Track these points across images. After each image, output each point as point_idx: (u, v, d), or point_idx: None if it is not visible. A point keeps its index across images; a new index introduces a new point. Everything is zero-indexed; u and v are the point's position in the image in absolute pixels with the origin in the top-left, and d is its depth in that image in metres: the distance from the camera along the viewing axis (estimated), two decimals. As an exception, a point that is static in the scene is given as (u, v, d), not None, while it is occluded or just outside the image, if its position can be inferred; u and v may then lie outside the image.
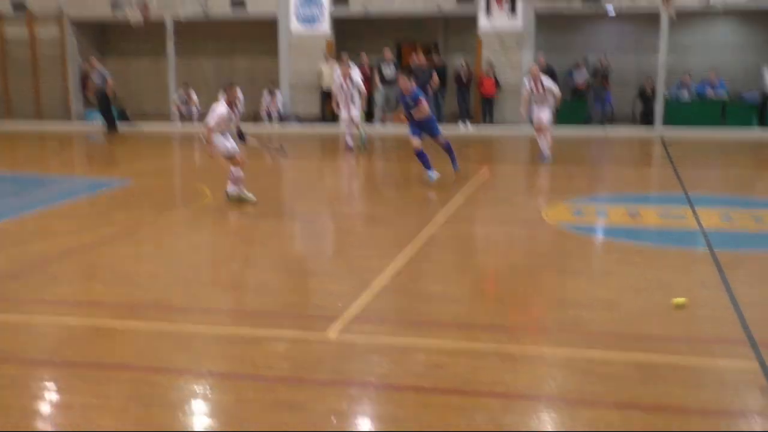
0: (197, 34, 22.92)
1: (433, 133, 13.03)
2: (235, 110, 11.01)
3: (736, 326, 6.49)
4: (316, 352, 6.04)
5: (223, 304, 7.34)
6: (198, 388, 5.49)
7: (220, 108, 10.78)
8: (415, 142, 12.73)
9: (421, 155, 12.81)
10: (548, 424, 4.94)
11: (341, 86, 16.84)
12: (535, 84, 14.71)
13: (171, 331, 6.58)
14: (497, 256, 9.20)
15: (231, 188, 11.26)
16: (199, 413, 5.17)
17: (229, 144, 10.99)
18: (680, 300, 6.66)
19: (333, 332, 6.36)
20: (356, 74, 17.25)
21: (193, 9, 21.85)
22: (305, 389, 5.35)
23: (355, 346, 6.20)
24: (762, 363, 5.72)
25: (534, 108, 14.99)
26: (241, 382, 5.52)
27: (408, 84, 12.61)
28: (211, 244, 9.73)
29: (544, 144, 15.08)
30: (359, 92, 17.00)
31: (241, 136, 11.31)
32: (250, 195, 11.24)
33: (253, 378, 5.57)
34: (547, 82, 14.88)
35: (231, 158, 10.98)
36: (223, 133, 10.84)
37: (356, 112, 16.89)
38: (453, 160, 13.31)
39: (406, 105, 12.67)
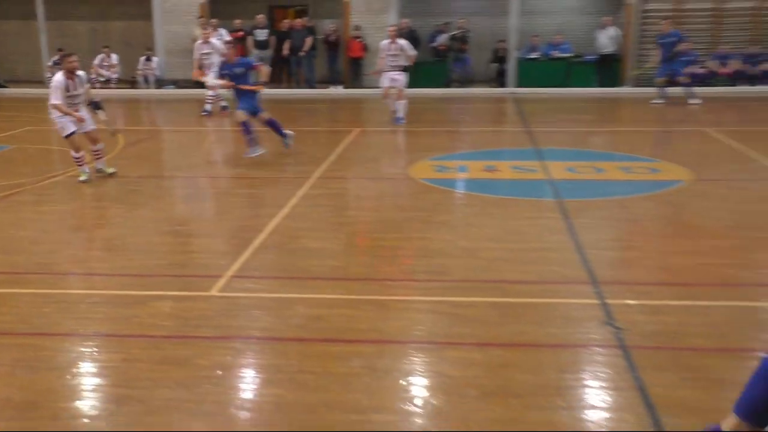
0: (68, -4, 21.89)
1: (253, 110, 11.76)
2: (76, 80, 9.91)
3: (580, 268, 6.97)
4: (201, 309, 6.12)
5: (106, 268, 7.25)
6: (85, 350, 5.52)
7: (56, 79, 9.79)
8: (241, 114, 11.63)
9: (245, 128, 11.69)
10: (418, 366, 5.24)
11: (205, 50, 16.41)
12: (391, 43, 14.73)
13: (55, 296, 6.49)
14: (368, 212, 9.44)
15: (99, 164, 10.64)
16: (88, 374, 5.19)
17: (74, 125, 9.98)
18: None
19: (216, 290, 6.48)
20: (216, 39, 16.91)
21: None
22: (191, 345, 5.47)
23: (238, 302, 6.33)
24: (601, 299, 6.20)
25: (388, 70, 14.81)
26: (128, 342, 5.57)
27: (234, 53, 12.03)
28: (91, 209, 9.51)
29: (399, 106, 14.98)
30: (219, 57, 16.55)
31: (95, 106, 10.53)
32: (110, 169, 10.72)
33: (139, 337, 5.63)
34: (402, 42, 14.91)
35: (75, 140, 10.12)
36: (72, 106, 9.88)
37: (212, 76, 16.25)
38: (282, 135, 12.10)
39: (232, 75, 11.57)
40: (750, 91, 19.21)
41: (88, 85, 10.52)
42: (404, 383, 4.97)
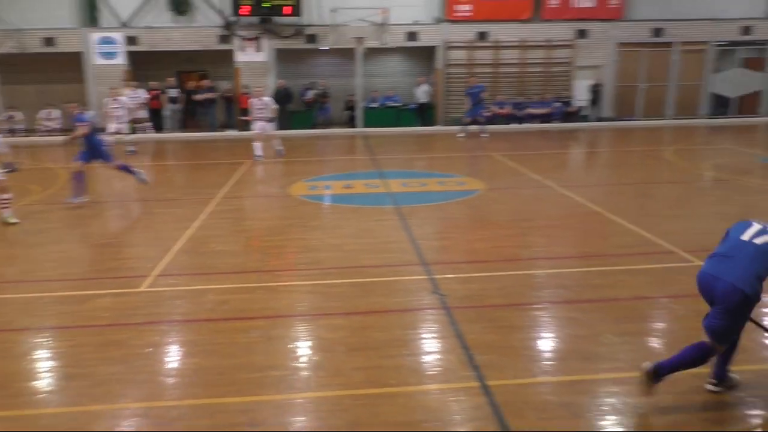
0: (18, 66, 20.05)
1: (104, 159, 9.93)
2: None
3: (414, 254, 7.06)
4: (133, 302, 5.77)
5: (52, 275, 6.66)
6: (39, 341, 5.09)
7: None
8: (78, 164, 9.69)
9: (77, 176, 9.75)
10: (302, 332, 5.14)
11: (113, 105, 15.20)
12: (258, 100, 14.10)
13: (9, 300, 5.93)
14: (259, 221, 9.23)
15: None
16: (42, 359, 4.81)
17: None
18: None
19: (145, 286, 6.13)
20: (125, 96, 15.99)
21: (11, 45, 19.17)
22: (126, 330, 5.14)
23: (162, 295, 6.01)
24: (429, 275, 6.30)
25: (258, 120, 14.10)
26: (75, 331, 5.19)
27: (76, 108, 10.20)
28: (38, 230, 8.59)
29: (275, 143, 14.40)
30: (128, 110, 15.55)
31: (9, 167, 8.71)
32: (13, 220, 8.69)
33: (84, 327, 5.25)
34: (267, 99, 14.36)
35: None
36: None
37: (121, 125, 15.11)
38: (134, 174, 10.39)
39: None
40: (518, 128, 20.20)
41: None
42: (292, 346, 4.87)
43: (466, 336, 4.87)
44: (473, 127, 18.22)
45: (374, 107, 21.04)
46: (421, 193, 10.65)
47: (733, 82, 21.75)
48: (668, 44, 21.02)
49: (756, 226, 3.79)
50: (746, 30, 21.11)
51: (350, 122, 21.09)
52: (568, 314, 5.34)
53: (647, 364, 3.85)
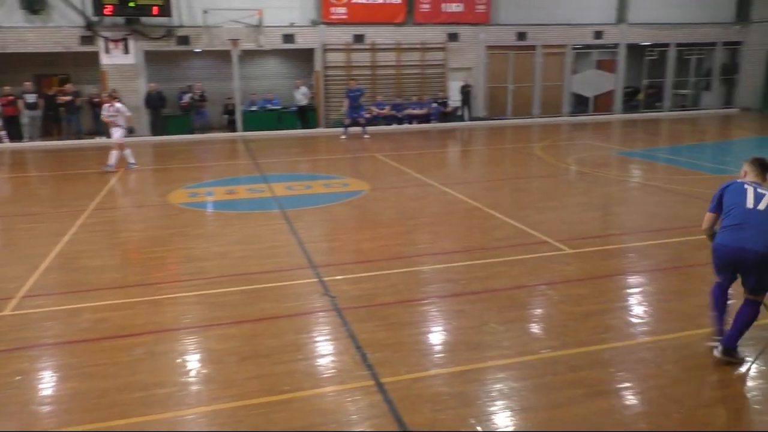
0: None
1: None
2: None
3: (302, 257, 7.00)
4: (-3, 328, 5.24)
5: None
6: None
7: None
8: None
9: None
10: (189, 345, 4.93)
11: None
12: (110, 107, 13.07)
13: None
14: (138, 232, 8.68)
15: None
16: None
17: None
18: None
19: (8, 310, 5.60)
20: None
21: None
22: (-10, 360, 4.66)
23: (29, 317, 5.51)
24: (319, 278, 6.27)
25: (114, 127, 13.07)
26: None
27: None
28: None
29: (128, 153, 13.24)
30: None
31: None
32: None
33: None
34: (119, 105, 13.25)
35: None
36: None
37: None
38: None
39: None
40: (399, 128, 20.66)
41: None
42: (180, 361, 4.65)
43: (358, 336, 4.90)
44: (354, 129, 18.38)
45: (254, 110, 20.63)
46: (307, 196, 10.58)
47: (590, 82, 23.58)
48: (532, 47, 22.40)
49: (750, 191, 4.26)
50: (599, 34, 22.97)
51: (230, 126, 20.53)
52: (455, 307, 5.53)
53: (717, 352, 4.31)
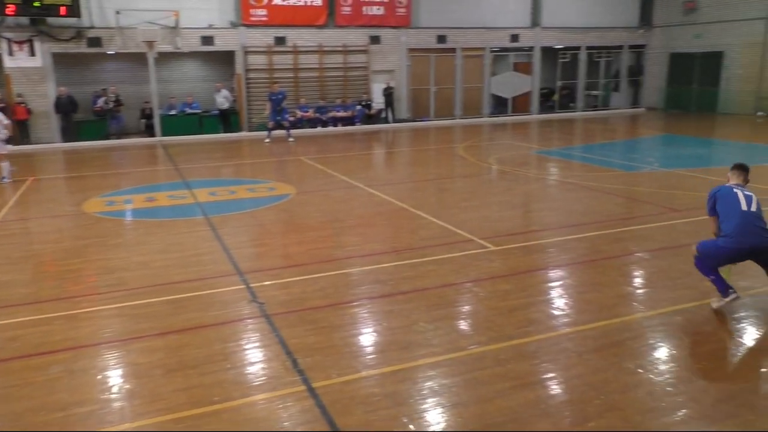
0: None
1: None
2: None
3: (228, 264, 6.85)
4: None
5: None
6: None
7: None
8: None
9: None
10: (111, 360, 4.72)
11: None
12: None
13: None
14: (51, 244, 8.19)
15: None
16: None
17: None
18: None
19: None
20: None
21: None
22: None
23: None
24: (246, 284, 6.16)
25: None
26: None
27: None
28: None
29: (5, 166, 12.13)
30: None
31: None
32: None
33: None
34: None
35: None
36: None
37: None
38: None
39: None
40: (324, 131, 20.59)
41: None
42: (101, 377, 4.44)
43: (288, 341, 4.85)
44: (279, 132, 18.18)
45: (173, 114, 20.00)
46: (231, 201, 10.36)
47: (508, 84, 24.34)
48: (452, 50, 22.88)
49: (740, 194, 5.04)
50: (515, 37, 23.74)
51: (147, 131, 19.82)
52: (384, 308, 5.56)
53: (715, 303, 5.19)
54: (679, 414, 3.76)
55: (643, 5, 25.88)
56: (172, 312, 5.53)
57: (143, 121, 20.01)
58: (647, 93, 26.54)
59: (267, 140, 17.97)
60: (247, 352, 4.77)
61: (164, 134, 19.31)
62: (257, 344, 4.88)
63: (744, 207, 4.96)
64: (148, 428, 3.77)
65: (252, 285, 6.13)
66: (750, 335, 4.88)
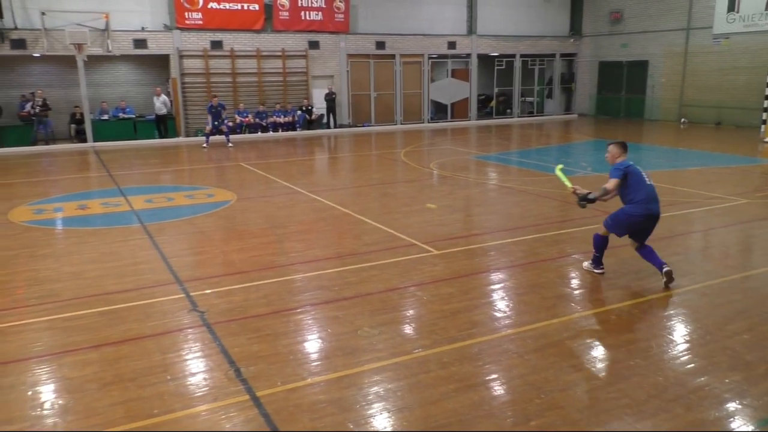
0: None
1: None
2: None
3: (167, 272, 6.67)
4: None
5: None
6: None
7: None
8: None
9: None
10: (42, 376, 4.50)
11: None
12: None
13: None
14: (-26, 256, 7.75)
15: None
16: None
17: None
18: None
19: None
20: None
21: None
22: None
23: None
24: (186, 293, 6.01)
25: None
26: None
27: None
28: None
29: None
30: None
31: None
32: None
33: None
34: None
35: None
36: None
37: None
38: None
39: None
40: (264, 137, 20.35)
41: None
42: (31, 393, 4.22)
43: (231, 350, 4.75)
44: (217, 138, 17.85)
45: (105, 119, 19.34)
46: (169, 209, 10.08)
47: (447, 90, 24.74)
48: (391, 56, 23.06)
49: (643, 172, 6.05)
50: (452, 45, 24.16)
51: (78, 137, 19.09)
52: (328, 314, 5.53)
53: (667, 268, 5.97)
54: (615, 410, 3.90)
55: (573, 15, 26.85)
56: (107, 323, 5.33)
57: (73, 126, 19.26)
58: (579, 100, 27.52)
59: (204, 146, 17.62)
60: (188, 362, 4.64)
61: (96, 140, 18.65)
62: (198, 354, 4.76)
63: (648, 180, 6.00)
64: (84, 446, 3.61)
65: (192, 294, 5.98)
66: (679, 332, 5.12)
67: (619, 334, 5.05)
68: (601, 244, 6.35)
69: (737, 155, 14.89)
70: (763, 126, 19.30)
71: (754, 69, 20.42)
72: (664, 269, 5.97)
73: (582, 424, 3.75)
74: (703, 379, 4.28)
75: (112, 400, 4.07)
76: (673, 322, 5.31)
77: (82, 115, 18.77)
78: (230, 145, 17.69)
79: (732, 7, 21.05)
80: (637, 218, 5.94)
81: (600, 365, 4.55)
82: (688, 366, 4.48)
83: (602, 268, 6.42)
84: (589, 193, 6.20)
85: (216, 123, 17.63)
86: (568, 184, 6.36)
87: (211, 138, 17.76)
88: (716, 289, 6.01)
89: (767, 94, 19.16)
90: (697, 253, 7.46)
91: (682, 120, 23.05)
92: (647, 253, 6.12)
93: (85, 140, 18.69)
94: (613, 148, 6.27)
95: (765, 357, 4.44)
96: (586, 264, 6.58)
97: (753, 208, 9.26)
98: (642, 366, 4.48)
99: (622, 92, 25.68)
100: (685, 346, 4.84)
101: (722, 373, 4.33)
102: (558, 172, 6.53)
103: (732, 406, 3.95)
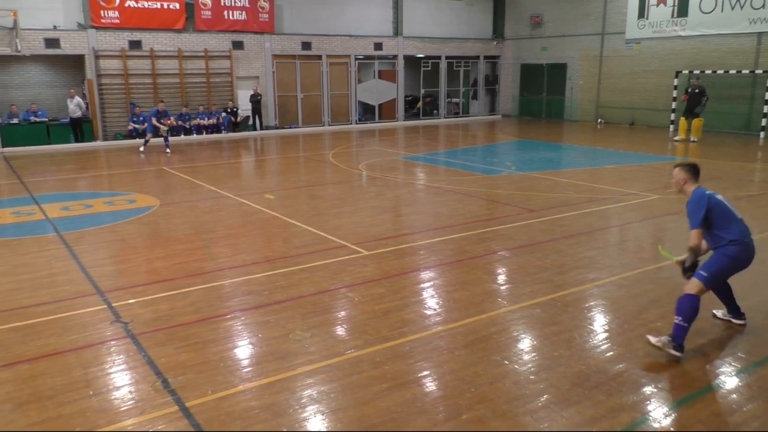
0: None
1: None
2: None
3: (87, 283, 6.41)
4: None
5: None
6: None
7: None
8: None
9: None
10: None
11: None
12: None
13: None
14: None
15: None
16: None
17: None
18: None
19: None
20: None
21: None
22: None
23: None
24: (108, 304, 5.79)
25: None
26: None
27: None
28: None
29: None
30: None
31: None
32: None
33: None
34: None
35: None
36: None
37: None
38: None
39: None
40: (188, 139, 19.81)
41: None
42: (-62, 418, 3.95)
43: (157, 361, 4.62)
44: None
45: (15, 123, 18.28)
46: (87, 216, 9.66)
47: (374, 91, 24.90)
48: (318, 57, 22.98)
49: (724, 200, 4.66)
50: (379, 46, 24.34)
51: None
52: (259, 319, 5.47)
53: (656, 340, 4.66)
54: (541, 399, 4.06)
55: (495, 18, 27.63)
56: (21, 340, 5.06)
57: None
58: (503, 101, 28.34)
59: (141, 148, 17.20)
60: (112, 376, 4.47)
61: (5, 145, 17.64)
62: (123, 367, 4.59)
63: (738, 215, 4.62)
64: (-1, 469, 3.42)
65: (115, 304, 5.76)
66: (599, 322, 5.38)
67: (543, 327, 5.25)
68: (693, 310, 4.51)
69: (649, 153, 15.76)
70: (671, 126, 20.54)
71: (663, 72, 21.67)
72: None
73: (510, 414, 3.88)
74: (621, 365, 4.52)
75: (28, 420, 3.87)
76: (593, 313, 5.57)
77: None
78: (168, 151, 17.18)
79: (642, 14, 22.25)
80: (744, 264, 4.62)
81: (526, 357, 4.72)
82: (608, 354, 4.72)
83: (683, 350, 4.58)
84: (694, 260, 4.69)
85: (151, 126, 17.22)
86: (675, 258, 4.91)
87: (149, 142, 17.27)
88: (632, 281, 6.35)
89: (674, 96, 20.42)
90: (614, 246, 7.85)
91: (599, 120, 24.16)
92: (727, 290, 5.06)
93: None
94: (678, 173, 4.76)
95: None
96: (656, 339, 4.66)
97: (664, 204, 9.84)
98: (566, 356, 4.68)
99: (543, 94, 26.64)
100: (605, 335, 5.09)
101: (639, 360, 4.59)
102: (663, 254, 5.29)
103: (648, 390, 4.19)
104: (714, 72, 19.74)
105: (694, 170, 4.73)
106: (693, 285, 4.59)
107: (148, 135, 17.32)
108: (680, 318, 4.53)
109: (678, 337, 4.54)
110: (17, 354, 4.80)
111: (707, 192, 4.64)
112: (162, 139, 17.31)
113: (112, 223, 9.07)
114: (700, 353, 4.72)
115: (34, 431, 3.75)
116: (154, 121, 17.06)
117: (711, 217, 4.54)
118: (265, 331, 5.21)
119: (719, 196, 4.66)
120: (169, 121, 17.34)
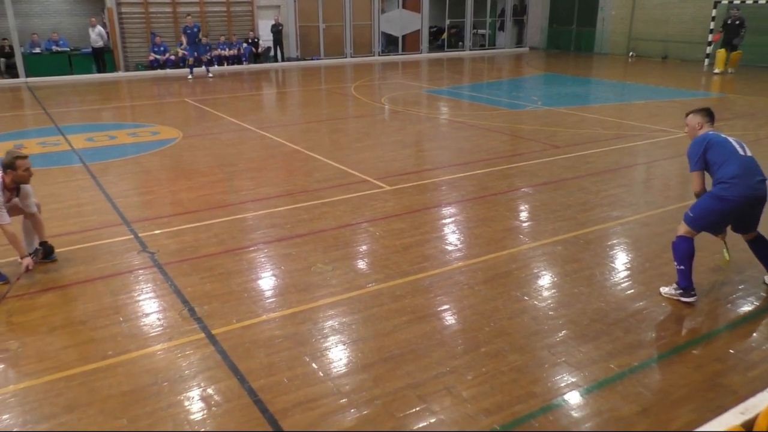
0: None
1: None
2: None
3: (113, 213, 6.52)
4: None
5: None
6: None
7: None
8: None
9: None
10: (-11, 320, 4.40)
11: None
12: None
13: None
14: None
15: None
16: None
17: None
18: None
19: None
20: None
21: None
22: None
23: None
24: (135, 234, 5.90)
25: None
26: None
27: None
28: None
29: None
30: None
31: None
32: None
33: None
34: None
35: None
36: None
37: None
38: None
39: None
40: (211, 70, 19.63)
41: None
42: (-23, 340, 4.13)
43: (184, 290, 4.74)
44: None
45: (38, 53, 18.24)
46: (112, 147, 9.74)
47: (398, 22, 24.21)
48: (338, -15, 22.31)
49: (731, 140, 4.35)
50: (403, -26, 23.50)
51: (9, 72, 18.02)
52: (281, 251, 5.55)
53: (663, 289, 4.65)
54: (560, 335, 4.11)
55: (526, -56, 26.38)
56: (52, 267, 5.21)
57: (3, 60, 18.15)
58: (531, 32, 27.41)
59: (190, 77, 17.52)
60: (140, 303, 4.62)
61: (29, 75, 17.66)
62: (151, 295, 4.73)
63: (742, 152, 4.30)
64: (35, 389, 3.59)
65: (141, 234, 5.88)
66: (621, 260, 5.36)
67: (564, 264, 5.26)
68: (686, 252, 4.41)
69: (681, 89, 15.25)
70: (705, 60, 19.76)
71: (700, 2, 20.67)
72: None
73: (528, 348, 3.94)
74: (641, 303, 4.53)
75: (62, 343, 4.04)
76: (615, 251, 5.55)
77: (11, 48, 17.67)
78: (210, 75, 17.40)
79: (681, -63, 21.05)
80: (731, 204, 4.22)
81: (546, 293, 4.75)
82: (628, 292, 4.72)
83: (694, 294, 4.48)
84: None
85: (196, 53, 17.40)
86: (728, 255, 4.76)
87: (195, 69, 17.47)
88: (656, 219, 6.28)
89: (711, 28, 19.54)
90: (639, 184, 7.73)
91: (630, 53, 23.33)
92: (762, 249, 4.60)
93: (16, 75, 17.68)
94: (693, 118, 4.56)
95: (697, 281, 4.70)
96: (666, 290, 4.63)
97: (694, 141, 9.58)
98: (585, 293, 4.70)
99: (574, 25, 25.69)
100: (626, 273, 5.08)
101: (659, 298, 4.59)
102: (726, 257, 4.79)
103: (667, 327, 4.21)
104: (755, 1, 18.78)
105: (709, 114, 4.53)
106: (681, 226, 4.50)
107: (190, 59, 17.57)
108: (676, 262, 4.50)
109: (681, 281, 4.49)
110: (49, 280, 4.96)
111: (711, 132, 4.43)
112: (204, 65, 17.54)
113: (136, 155, 9.14)
114: (722, 296, 4.70)
115: (68, 352, 3.91)
116: (184, 40, 17.36)
117: (708, 158, 4.33)
118: (288, 263, 5.29)
119: (724, 135, 4.41)
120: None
